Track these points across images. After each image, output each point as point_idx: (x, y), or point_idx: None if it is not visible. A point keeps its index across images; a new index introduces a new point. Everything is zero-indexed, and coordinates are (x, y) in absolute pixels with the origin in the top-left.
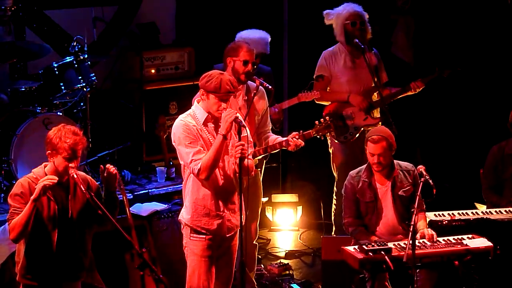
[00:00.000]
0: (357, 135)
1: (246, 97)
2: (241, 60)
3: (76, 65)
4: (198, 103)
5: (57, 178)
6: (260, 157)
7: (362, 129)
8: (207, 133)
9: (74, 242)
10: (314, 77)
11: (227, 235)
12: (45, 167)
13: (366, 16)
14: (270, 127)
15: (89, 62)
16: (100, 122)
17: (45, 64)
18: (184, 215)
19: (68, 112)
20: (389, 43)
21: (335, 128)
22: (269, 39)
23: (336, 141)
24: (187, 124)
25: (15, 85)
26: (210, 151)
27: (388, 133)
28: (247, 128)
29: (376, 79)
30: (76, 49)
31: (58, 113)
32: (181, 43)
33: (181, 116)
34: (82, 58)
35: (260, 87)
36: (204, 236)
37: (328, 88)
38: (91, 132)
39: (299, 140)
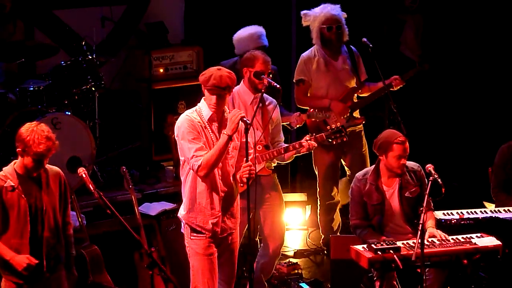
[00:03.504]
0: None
1: (261, 104)
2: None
3: (84, 65)
4: (205, 100)
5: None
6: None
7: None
8: (210, 131)
9: (49, 235)
10: (294, 81)
11: (220, 236)
12: (14, 164)
13: (344, 16)
14: (283, 140)
15: (97, 62)
16: (109, 122)
17: (54, 64)
18: (181, 211)
19: (77, 112)
20: (397, 42)
21: (341, 133)
22: (263, 31)
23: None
24: (192, 119)
25: (24, 85)
26: (214, 150)
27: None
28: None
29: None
30: (85, 49)
31: (67, 113)
32: (189, 42)
33: (187, 111)
34: (90, 57)
35: (274, 100)
36: (204, 235)
37: (308, 92)
38: (100, 131)
39: (311, 141)
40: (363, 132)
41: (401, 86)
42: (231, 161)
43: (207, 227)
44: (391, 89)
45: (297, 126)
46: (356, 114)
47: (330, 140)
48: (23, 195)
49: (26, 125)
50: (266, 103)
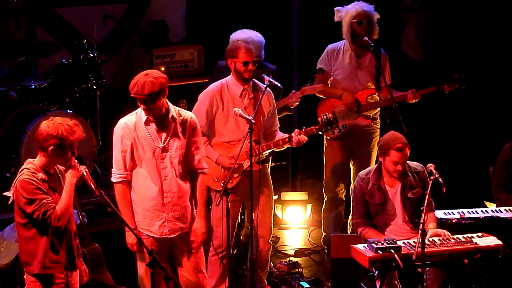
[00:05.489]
0: (345, 132)
1: (253, 95)
2: (241, 62)
3: (86, 63)
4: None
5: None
6: (267, 152)
7: (351, 127)
8: (147, 132)
9: (73, 227)
10: (316, 68)
11: (169, 236)
12: (33, 161)
13: (376, 16)
14: (278, 127)
15: (99, 60)
16: (110, 120)
17: (55, 62)
18: None
19: (78, 110)
20: (399, 42)
21: (332, 124)
22: (263, 42)
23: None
24: (126, 127)
25: (25, 82)
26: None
27: (405, 138)
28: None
29: (377, 81)
30: (86, 47)
31: (68, 111)
32: (190, 41)
33: (129, 115)
34: (92, 55)
35: (267, 87)
36: (146, 235)
37: (329, 82)
38: (101, 130)
39: (301, 136)
40: (377, 134)
41: (416, 100)
42: (175, 160)
43: (152, 229)
44: (406, 100)
45: (295, 104)
46: (370, 114)
47: (321, 132)
48: (57, 190)
49: (47, 123)
50: (259, 92)
